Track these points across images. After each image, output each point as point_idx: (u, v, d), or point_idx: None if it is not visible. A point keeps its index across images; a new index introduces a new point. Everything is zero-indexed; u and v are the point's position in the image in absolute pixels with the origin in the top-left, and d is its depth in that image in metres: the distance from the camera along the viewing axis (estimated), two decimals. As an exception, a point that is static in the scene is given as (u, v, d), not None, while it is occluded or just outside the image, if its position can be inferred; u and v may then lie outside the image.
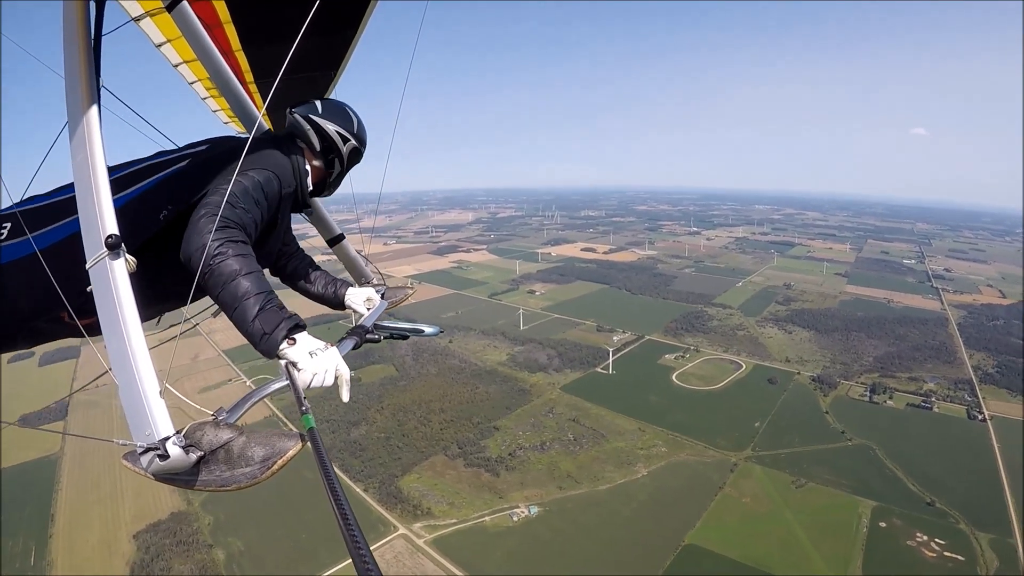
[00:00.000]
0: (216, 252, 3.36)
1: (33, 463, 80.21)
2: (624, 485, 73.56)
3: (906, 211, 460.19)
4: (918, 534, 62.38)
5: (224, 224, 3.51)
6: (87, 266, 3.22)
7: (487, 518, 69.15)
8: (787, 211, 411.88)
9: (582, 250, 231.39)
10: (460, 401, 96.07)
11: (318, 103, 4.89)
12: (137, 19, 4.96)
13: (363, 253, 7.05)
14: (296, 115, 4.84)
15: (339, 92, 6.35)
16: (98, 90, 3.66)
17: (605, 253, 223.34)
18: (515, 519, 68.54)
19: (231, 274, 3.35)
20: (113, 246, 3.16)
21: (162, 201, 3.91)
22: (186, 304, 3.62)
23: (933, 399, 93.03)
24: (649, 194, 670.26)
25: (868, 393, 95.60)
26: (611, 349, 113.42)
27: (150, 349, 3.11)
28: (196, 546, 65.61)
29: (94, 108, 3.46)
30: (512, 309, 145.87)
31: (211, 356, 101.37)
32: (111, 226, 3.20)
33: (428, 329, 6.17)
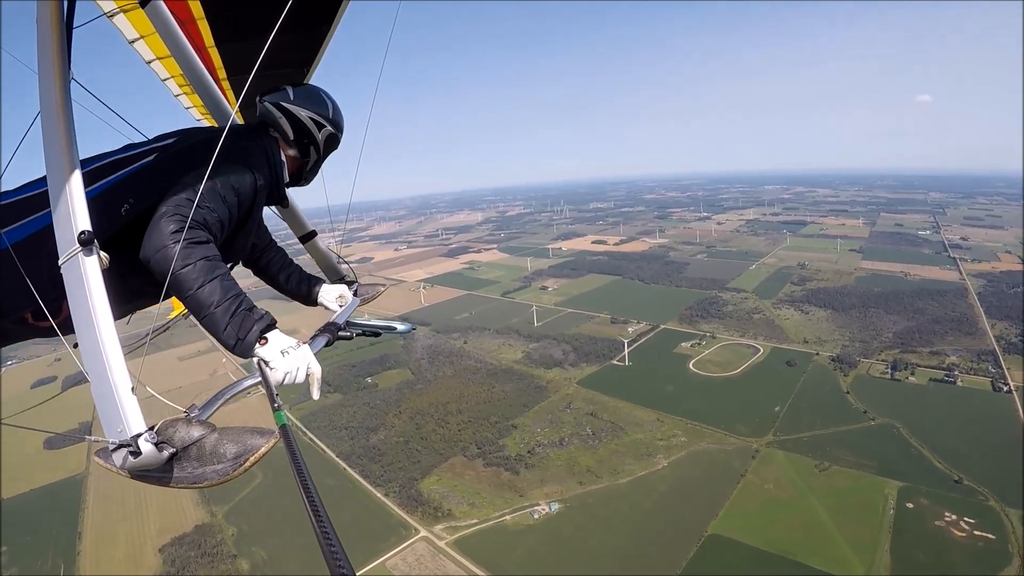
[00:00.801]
0: (178, 256, 3.29)
1: (60, 483, 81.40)
2: (644, 477, 72.95)
3: (918, 181, 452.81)
4: (946, 514, 61.19)
5: (187, 225, 3.42)
6: (59, 262, 3.13)
7: (508, 517, 68.91)
8: (797, 190, 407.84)
9: (592, 243, 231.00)
10: (477, 401, 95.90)
11: (289, 89, 4.73)
12: (110, 15, 4.90)
13: (335, 250, 6.90)
14: (266, 103, 4.68)
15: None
16: (68, 84, 3.47)
17: (616, 244, 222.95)
18: (536, 517, 68.27)
19: (196, 280, 3.30)
20: (86, 242, 3.06)
21: (125, 196, 3.74)
22: (157, 303, 3.67)
23: (956, 373, 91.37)
24: (657, 182, 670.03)
25: (889, 370, 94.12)
26: (626, 340, 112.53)
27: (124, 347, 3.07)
28: (220, 557, 66.39)
29: (68, 103, 3.36)
30: (525, 306, 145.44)
31: (232, 368, 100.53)
32: (83, 222, 3.12)
33: (400, 326, 6.25)
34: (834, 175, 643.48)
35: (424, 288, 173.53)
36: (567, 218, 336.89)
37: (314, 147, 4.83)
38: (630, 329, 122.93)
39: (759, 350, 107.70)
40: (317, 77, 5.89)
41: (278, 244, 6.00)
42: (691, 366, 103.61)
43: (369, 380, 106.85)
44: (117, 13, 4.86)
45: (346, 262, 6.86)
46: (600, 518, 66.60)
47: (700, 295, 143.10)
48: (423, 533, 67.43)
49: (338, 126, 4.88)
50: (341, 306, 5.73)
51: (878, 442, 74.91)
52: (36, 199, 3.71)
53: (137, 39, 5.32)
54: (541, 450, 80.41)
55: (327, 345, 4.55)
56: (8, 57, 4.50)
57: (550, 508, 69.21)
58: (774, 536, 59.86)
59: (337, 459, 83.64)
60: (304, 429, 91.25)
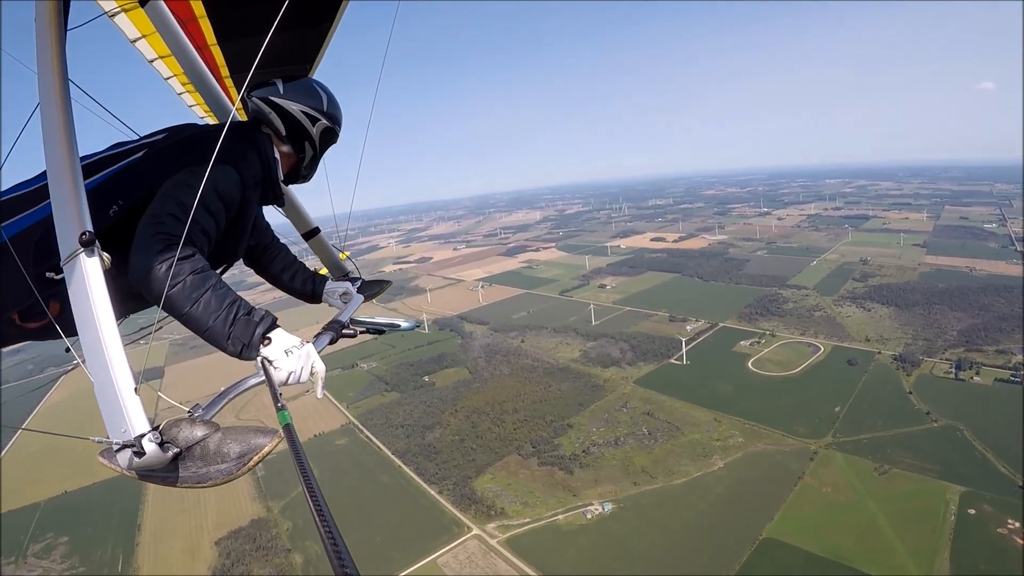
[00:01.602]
0: (164, 277, 3.26)
1: (119, 477, 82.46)
2: (700, 478, 72.32)
3: (983, 172, 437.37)
4: (1010, 521, 59.20)
5: (170, 242, 3.36)
6: (61, 262, 3.14)
7: (560, 516, 68.97)
8: (859, 183, 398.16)
9: (651, 240, 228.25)
10: (533, 400, 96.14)
11: (279, 83, 4.59)
12: (111, 14, 4.88)
13: (338, 246, 6.99)
14: (254, 99, 4.55)
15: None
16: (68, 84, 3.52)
17: (675, 241, 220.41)
18: (589, 517, 68.18)
19: (188, 298, 3.29)
20: (87, 243, 3.07)
21: (113, 196, 3.78)
22: (150, 306, 3.63)
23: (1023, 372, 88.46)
24: (716, 178, 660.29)
25: (953, 370, 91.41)
26: (684, 339, 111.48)
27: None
28: (275, 551, 67.91)
29: (68, 103, 3.40)
30: (583, 305, 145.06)
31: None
32: (86, 223, 3.14)
33: (404, 323, 6.18)
34: (897, 167, 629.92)
35: (482, 287, 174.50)
36: (626, 216, 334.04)
37: (309, 142, 4.75)
38: (688, 327, 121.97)
39: (819, 349, 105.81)
40: (322, 74, 5.85)
41: (281, 241, 6.05)
42: (750, 365, 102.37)
43: (426, 379, 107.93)
44: (118, 13, 4.88)
45: (350, 258, 6.97)
46: (653, 519, 66.17)
47: (760, 292, 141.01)
48: (475, 531, 67.86)
49: (334, 119, 4.78)
50: (345, 303, 5.76)
51: (940, 445, 72.91)
52: (21, 200, 3.80)
53: (139, 38, 5.37)
54: (596, 449, 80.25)
55: (331, 343, 4.62)
56: (7, 57, 4.44)
57: (603, 508, 69.00)
58: (830, 541, 58.83)
59: (392, 456, 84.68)
60: (361, 427, 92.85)
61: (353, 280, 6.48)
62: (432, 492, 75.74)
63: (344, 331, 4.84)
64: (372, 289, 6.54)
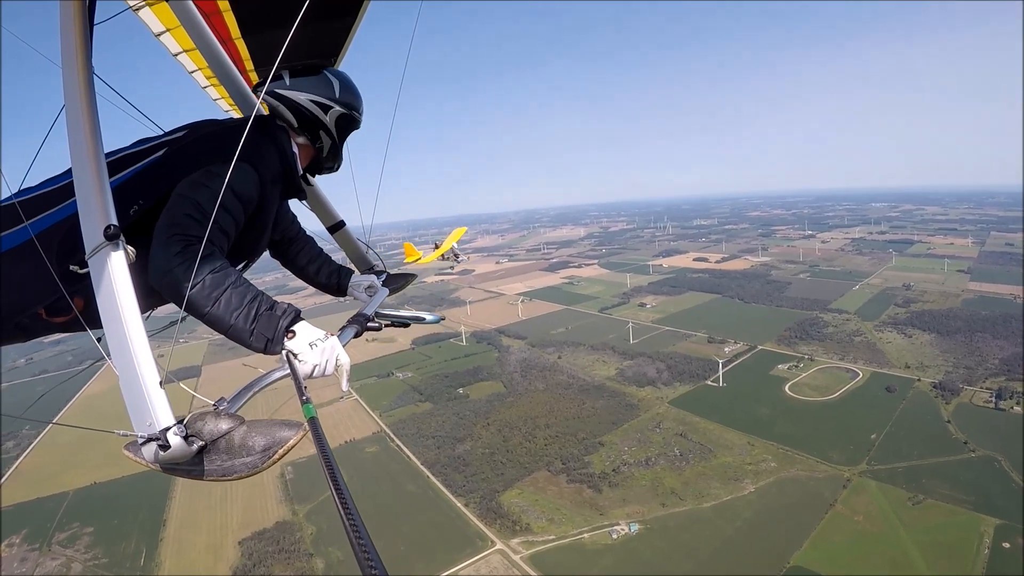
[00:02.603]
0: (184, 278, 3.30)
1: (148, 472, 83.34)
2: (730, 502, 71.79)
3: None
4: (1045, 555, 58.54)
5: (188, 243, 3.43)
6: (86, 256, 3.18)
7: (586, 535, 68.88)
8: (905, 207, 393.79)
9: (694, 260, 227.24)
10: (566, 417, 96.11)
11: (286, 75, 4.60)
12: (135, 8, 4.87)
13: (364, 240, 6.90)
14: (265, 95, 4.56)
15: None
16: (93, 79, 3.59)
17: (717, 262, 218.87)
18: (615, 536, 67.96)
19: (208, 297, 3.34)
20: (112, 236, 3.12)
21: (135, 195, 3.82)
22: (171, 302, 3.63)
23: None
24: (762, 199, 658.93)
25: (994, 399, 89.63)
26: (721, 361, 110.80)
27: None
28: (297, 554, 68.85)
29: (92, 98, 3.46)
30: (622, 323, 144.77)
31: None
32: (111, 216, 3.20)
33: (429, 317, 6.42)
34: (944, 192, 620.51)
35: (522, 302, 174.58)
36: (670, 235, 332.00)
37: (324, 131, 4.70)
38: (727, 349, 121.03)
39: (858, 374, 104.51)
40: (351, 70, 5.43)
41: (307, 234, 6.08)
42: (787, 389, 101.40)
43: (461, 391, 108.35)
44: (142, 7, 4.85)
45: (375, 252, 6.92)
46: (680, 542, 65.74)
47: (800, 316, 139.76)
48: (499, 546, 67.93)
49: (349, 105, 4.70)
50: (370, 296, 5.77)
51: (977, 476, 71.62)
52: (42, 198, 3.87)
53: (163, 32, 5.33)
54: (626, 469, 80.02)
55: (356, 336, 4.61)
56: (35, 54, 4.50)
57: (630, 529, 68.75)
58: (860, 571, 58.08)
59: (421, 467, 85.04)
60: (392, 436, 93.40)
61: (378, 273, 6.49)
62: (458, 504, 75.86)
63: (369, 324, 4.82)
64: (397, 282, 6.56)
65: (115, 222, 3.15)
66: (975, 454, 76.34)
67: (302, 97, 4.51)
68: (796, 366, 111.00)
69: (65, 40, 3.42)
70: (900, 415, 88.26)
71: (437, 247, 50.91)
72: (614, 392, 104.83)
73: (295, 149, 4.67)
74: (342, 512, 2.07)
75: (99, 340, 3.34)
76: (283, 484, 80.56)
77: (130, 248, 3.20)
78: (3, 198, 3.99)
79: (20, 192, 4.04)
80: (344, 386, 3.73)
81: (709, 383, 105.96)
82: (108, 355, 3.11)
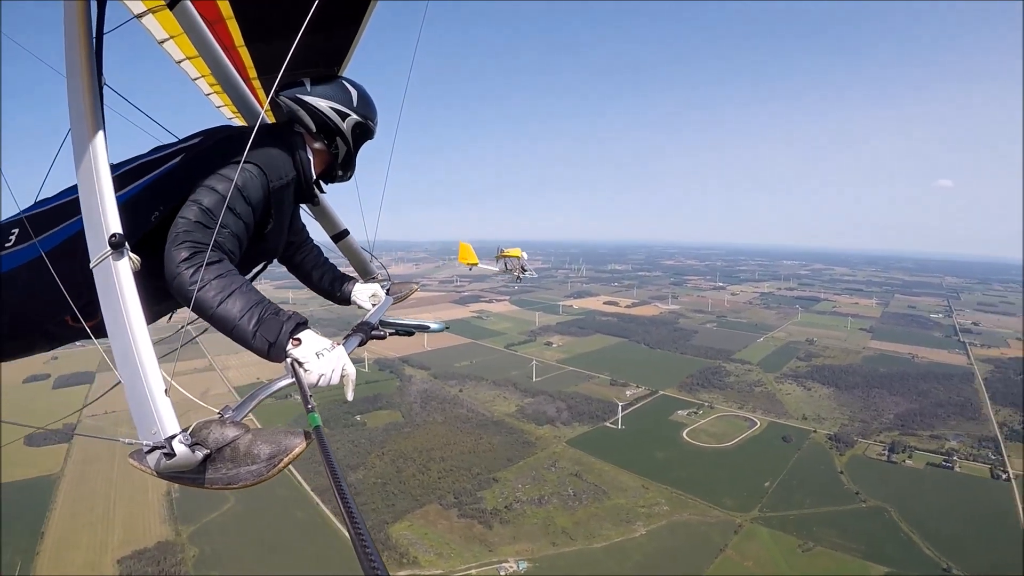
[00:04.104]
0: (192, 281, 3.24)
1: (33, 480, 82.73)
2: (620, 544, 71.61)
3: (935, 265, 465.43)
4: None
5: (196, 250, 3.35)
6: (91, 265, 3.13)
7: (474, 571, 68.33)
8: (815, 266, 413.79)
9: (604, 303, 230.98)
10: (462, 451, 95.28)
11: (307, 81, 4.52)
12: (139, 16, 4.79)
13: (369, 249, 6.88)
14: (284, 98, 4.47)
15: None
16: (100, 88, 3.55)
17: (627, 307, 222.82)
18: (503, 574, 67.58)
19: (214, 299, 3.27)
20: (117, 245, 3.06)
21: (154, 202, 3.76)
22: (181, 307, 3.70)
23: (955, 458, 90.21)
24: (678, 249, 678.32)
25: (887, 452, 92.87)
26: (621, 404, 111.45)
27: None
28: None
29: (97, 106, 3.37)
30: (527, 360, 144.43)
31: (222, 392, 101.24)
32: (114, 225, 3.10)
33: (434, 325, 6.35)
34: (853, 254, 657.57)
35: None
36: (583, 277, 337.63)
37: (341, 138, 4.59)
38: (628, 392, 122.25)
39: (756, 423, 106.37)
40: (350, 75, 5.34)
41: (314, 241, 6.06)
42: (684, 435, 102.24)
43: (358, 418, 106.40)
44: (146, 14, 4.75)
45: (379, 260, 6.88)
46: (567, 582, 65.08)
47: (704, 364, 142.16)
48: (382, 579, 66.41)
49: (365, 114, 4.61)
50: (374, 305, 5.71)
51: (867, 525, 73.42)
52: (73, 204, 3.55)
53: (166, 39, 5.23)
54: (519, 506, 79.40)
55: (360, 344, 4.52)
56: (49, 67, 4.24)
57: (518, 567, 68.24)
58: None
59: (311, 493, 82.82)
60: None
61: (381, 282, 6.49)
62: (346, 533, 73.16)
63: (373, 332, 4.76)
64: (401, 291, 6.56)
65: (119, 230, 3.08)
66: (866, 504, 78.19)
67: (323, 104, 4.47)
68: (695, 412, 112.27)
69: (69, 47, 3.35)
70: (794, 464, 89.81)
71: (502, 253, 49.25)
72: (512, 429, 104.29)
73: (310, 155, 4.59)
74: (349, 523, 2.08)
75: (102, 352, 3.36)
76: (168, 503, 78.38)
77: (135, 256, 3.14)
78: (32, 205, 3.99)
79: (61, 193, 3.96)
80: (349, 396, 3.48)
81: (608, 425, 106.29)
82: (113, 364, 3.02)
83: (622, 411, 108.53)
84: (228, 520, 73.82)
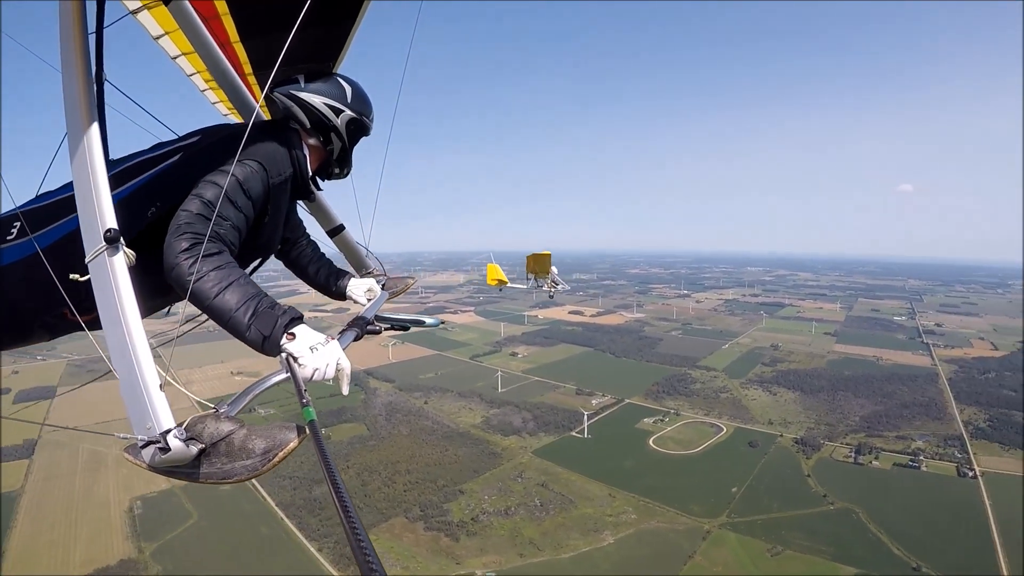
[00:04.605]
0: (190, 272, 3.28)
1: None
2: (588, 553, 71.43)
3: (898, 268, 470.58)
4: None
5: (196, 241, 3.39)
6: (86, 260, 3.19)
7: (440, 584, 67.38)
8: (779, 272, 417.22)
9: (569, 313, 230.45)
10: (428, 463, 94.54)
11: (301, 78, 4.51)
12: (135, 12, 4.86)
13: (364, 244, 6.97)
14: (279, 95, 4.46)
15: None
16: (100, 84, 3.93)
17: (592, 316, 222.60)
18: (469, 586, 66.48)
19: (211, 290, 3.29)
20: (112, 240, 3.12)
21: (152, 199, 3.82)
22: (179, 300, 3.75)
23: (921, 457, 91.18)
24: (643, 257, 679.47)
25: (853, 454, 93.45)
26: (587, 413, 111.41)
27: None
28: None
29: (92, 102, 3.41)
30: (492, 371, 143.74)
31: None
32: (110, 220, 3.16)
33: (429, 320, 6.14)
34: (816, 259, 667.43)
35: (393, 344, 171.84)
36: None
37: (335, 134, 4.57)
38: (594, 401, 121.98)
39: (722, 429, 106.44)
40: (345, 72, 5.25)
41: (310, 237, 6.08)
42: (651, 442, 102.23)
43: (322, 431, 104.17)
44: (141, 10, 4.83)
45: (374, 256, 6.98)
46: (535, 593, 64.76)
47: (669, 371, 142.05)
48: (347, 592, 66.27)
49: (360, 111, 4.61)
50: (370, 300, 5.85)
51: (835, 527, 73.81)
52: (66, 201, 3.70)
53: (162, 35, 5.28)
54: (485, 518, 78.92)
55: (356, 339, 4.44)
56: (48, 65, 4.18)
57: (485, 579, 67.31)
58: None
59: (276, 508, 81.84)
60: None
61: (377, 277, 6.58)
62: (311, 548, 73.75)
63: (369, 327, 4.67)
64: (397, 286, 6.66)
65: (115, 226, 3.13)
66: (833, 506, 78.67)
67: (316, 100, 4.47)
68: (662, 420, 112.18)
69: (64, 43, 3.38)
70: (761, 469, 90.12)
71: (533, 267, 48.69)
72: (478, 440, 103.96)
73: (306, 151, 4.54)
74: (343, 516, 2.05)
75: (97, 346, 3.40)
76: (131, 519, 77.26)
77: (130, 251, 3.19)
78: (34, 199, 4.07)
79: (64, 187, 4.03)
80: (345, 390, 3.51)
81: (574, 434, 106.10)
82: (108, 358, 3.08)
83: (588, 420, 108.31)
84: (191, 536, 73.07)
